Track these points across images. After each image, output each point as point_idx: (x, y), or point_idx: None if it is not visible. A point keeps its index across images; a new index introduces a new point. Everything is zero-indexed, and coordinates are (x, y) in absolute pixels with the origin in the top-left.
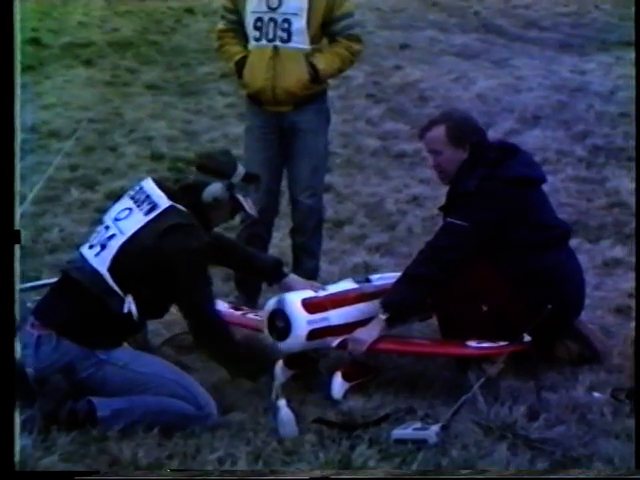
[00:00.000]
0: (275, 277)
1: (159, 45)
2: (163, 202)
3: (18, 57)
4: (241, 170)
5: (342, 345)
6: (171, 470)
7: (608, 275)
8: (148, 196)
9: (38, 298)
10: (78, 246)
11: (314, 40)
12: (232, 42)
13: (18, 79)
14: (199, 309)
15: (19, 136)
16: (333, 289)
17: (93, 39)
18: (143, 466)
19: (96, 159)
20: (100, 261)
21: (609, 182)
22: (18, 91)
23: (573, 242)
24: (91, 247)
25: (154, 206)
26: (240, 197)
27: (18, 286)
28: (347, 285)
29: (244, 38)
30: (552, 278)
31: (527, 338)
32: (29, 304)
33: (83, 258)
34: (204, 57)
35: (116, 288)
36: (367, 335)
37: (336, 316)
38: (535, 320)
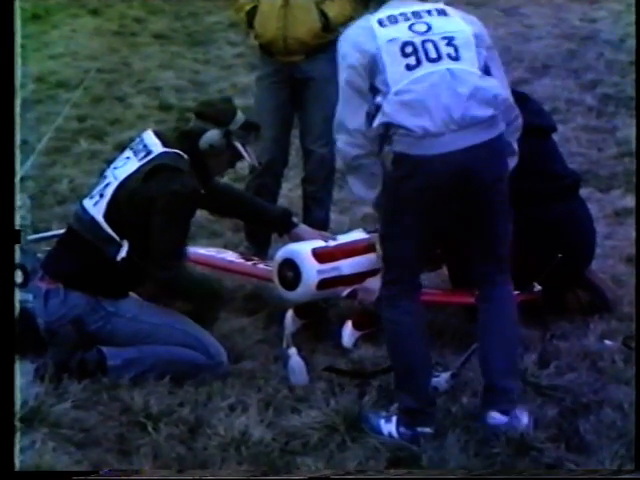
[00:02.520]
0: (284, 227)
1: None
2: (157, 149)
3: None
4: (240, 118)
5: (352, 294)
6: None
7: (619, 224)
8: (145, 145)
9: (48, 249)
10: (81, 199)
11: None
12: None
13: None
14: (161, 257)
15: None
16: (343, 239)
17: None
18: (154, 414)
19: (104, 110)
20: (97, 209)
21: (619, 131)
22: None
23: (584, 191)
24: (91, 198)
25: (148, 153)
26: (239, 145)
27: (29, 237)
28: (357, 235)
29: None
30: (562, 228)
31: (537, 287)
32: (39, 254)
33: (84, 209)
34: (212, 6)
35: (112, 233)
36: (377, 284)
37: (346, 266)
38: (546, 269)
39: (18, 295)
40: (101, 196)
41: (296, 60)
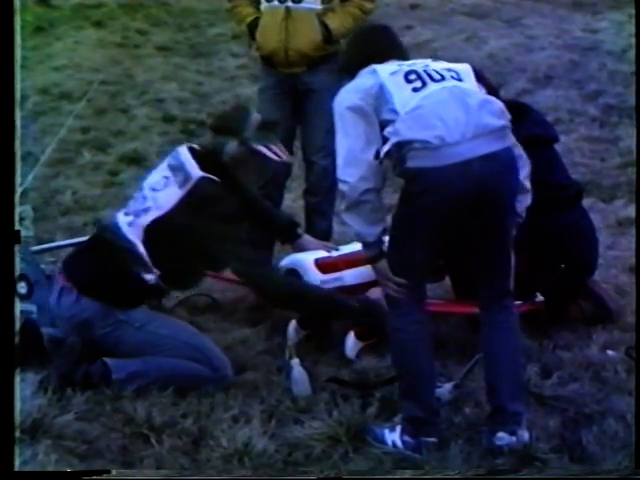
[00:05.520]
0: (289, 237)
1: (169, 6)
2: (195, 173)
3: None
4: (254, 120)
5: None
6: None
7: (622, 234)
8: (182, 164)
9: (52, 260)
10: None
11: (326, 0)
12: (244, 3)
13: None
14: (254, 272)
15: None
16: (346, 249)
17: (103, 0)
18: (157, 425)
19: (108, 121)
20: (133, 231)
21: (622, 141)
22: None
23: (586, 202)
24: (126, 214)
25: (187, 177)
26: (261, 147)
27: (32, 248)
28: (360, 246)
29: None
30: (565, 238)
31: (539, 298)
32: (43, 266)
33: (117, 225)
34: (215, 18)
35: (147, 259)
36: (380, 295)
37: (349, 276)
38: (548, 280)
39: (22, 306)
40: (136, 216)
41: (298, 72)
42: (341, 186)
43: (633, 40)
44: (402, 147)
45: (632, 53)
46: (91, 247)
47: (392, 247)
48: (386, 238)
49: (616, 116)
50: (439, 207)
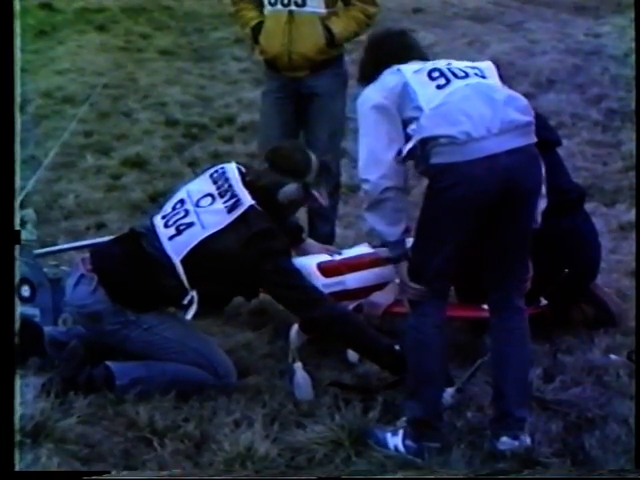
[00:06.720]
0: (294, 241)
1: (172, 10)
2: (246, 200)
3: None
4: (315, 165)
5: (358, 309)
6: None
7: (624, 239)
8: (231, 186)
9: (54, 263)
10: (151, 217)
11: (329, 4)
12: (248, 7)
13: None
14: (305, 303)
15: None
16: (349, 253)
17: (106, 4)
18: (160, 429)
19: (110, 125)
20: (174, 248)
21: (624, 145)
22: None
23: (589, 206)
24: (166, 226)
25: (237, 202)
26: (315, 193)
27: (35, 251)
28: (363, 250)
29: (260, 3)
30: (568, 242)
31: (543, 302)
32: (45, 269)
33: (157, 236)
34: (217, 22)
35: (184, 280)
36: (383, 299)
37: (352, 280)
38: (551, 284)
39: (25, 309)
40: (178, 232)
41: (301, 75)
42: (363, 185)
43: (635, 44)
44: (427, 143)
45: (635, 57)
46: (124, 246)
47: (417, 247)
48: (410, 240)
49: (618, 120)
50: (467, 201)
